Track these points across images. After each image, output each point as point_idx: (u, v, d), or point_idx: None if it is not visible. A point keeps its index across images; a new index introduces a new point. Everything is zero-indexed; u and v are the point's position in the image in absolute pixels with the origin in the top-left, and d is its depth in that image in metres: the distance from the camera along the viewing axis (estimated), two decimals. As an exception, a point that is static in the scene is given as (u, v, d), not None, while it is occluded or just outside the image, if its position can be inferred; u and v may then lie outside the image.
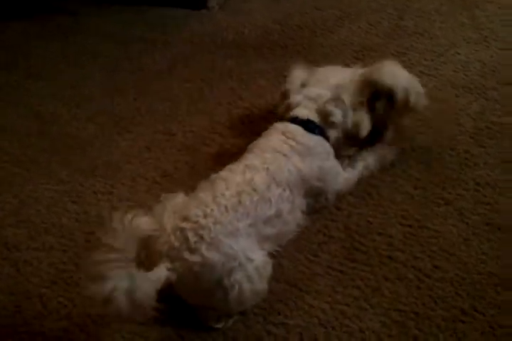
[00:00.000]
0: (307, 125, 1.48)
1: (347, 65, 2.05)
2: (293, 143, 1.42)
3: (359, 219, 1.49)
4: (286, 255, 1.40)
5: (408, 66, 2.03)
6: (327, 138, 1.51)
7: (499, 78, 1.98)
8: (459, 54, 2.13)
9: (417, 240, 1.43)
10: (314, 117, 1.51)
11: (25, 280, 1.39)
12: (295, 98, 1.56)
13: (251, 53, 2.22)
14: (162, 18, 2.47)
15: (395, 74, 1.58)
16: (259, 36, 2.32)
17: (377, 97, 1.58)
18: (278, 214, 1.31)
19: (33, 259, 1.45)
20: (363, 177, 1.59)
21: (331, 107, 1.51)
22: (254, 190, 1.28)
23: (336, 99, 1.51)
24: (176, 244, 1.18)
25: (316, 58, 2.15)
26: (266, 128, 1.55)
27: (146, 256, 1.19)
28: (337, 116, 1.51)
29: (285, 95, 1.63)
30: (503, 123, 1.78)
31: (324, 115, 1.51)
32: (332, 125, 1.52)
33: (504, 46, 2.15)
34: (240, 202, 1.24)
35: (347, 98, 1.52)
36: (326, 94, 1.54)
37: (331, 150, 1.51)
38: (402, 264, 1.37)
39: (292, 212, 1.37)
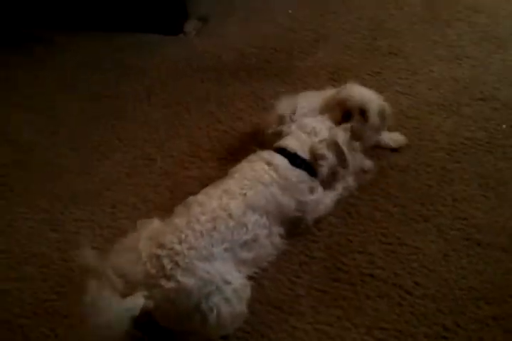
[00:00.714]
0: (294, 159, 1.48)
1: (322, 87, 2.09)
2: (275, 176, 1.42)
3: (340, 239, 1.50)
4: (268, 276, 1.41)
5: (383, 85, 2.08)
6: (315, 172, 1.51)
7: (471, 94, 2.03)
8: (432, 72, 2.17)
9: (397, 257, 1.44)
10: (304, 152, 1.50)
11: (5, 311, 1.38)
12: (289, 127, 1.57)
13: (228, 76, 2.24)
14: (138, 43, 2.49)
15: (361, 92, 1.65)
16: (236, 60, 2.34)
17: (348, 116, 1.61)
18: (255, 239, 1.32)
19: (14, 289, 1.43)
20: (342, 198, 1.61)
21: (324, 151, 1.50)
22: (230, 215, 1.29)
23: (332, 144, 1.51)
24: (152, 271, 1.18)
25: (292, 80, 2.18)
26: (245, 151, 1.57)
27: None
28: (329, 160, 1.51)
29: (281, 120, 1.64)
30: (477, 138, 1.82)
31: (316, 156, 1.50)
32: (321, 165, 1.51)
33: (475, 63, 2.20)
34: (214, 227, 1.25)
35: (342, 138, 1.53)
36: (321, 130, 1.54)
37: (316, 184, 1.51)
38: (383, 282, 1.38)
39: (270, 237, 1.38)
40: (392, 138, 1.78)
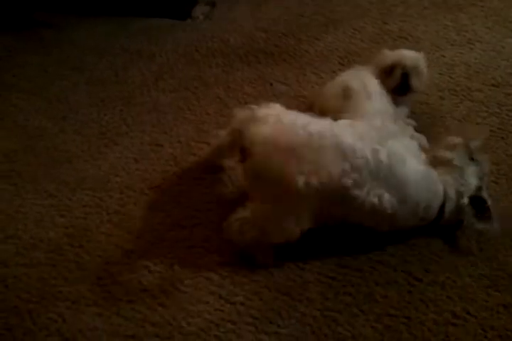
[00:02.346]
0: None
1: (332, 71, 2.07)
2: None
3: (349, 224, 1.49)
4: (276, 263, 1.40)
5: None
6: None
7: (484, 80, 2.00)
8: (443, 57, 2.14)
9: (407, 243, 1.43)
10: None
11: (14, 297, 1.38)
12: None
13: (237, 61, 2.21)
14: (146, 28, 2.46)
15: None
16: (244, 44, 2.32)
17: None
18: None
19: (22, 275, 1.43)
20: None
21: None
22: None
23: None
24: None
25: (301, 65, 2.16)
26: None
27: None
28: None
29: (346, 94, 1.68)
30: (489, 124, 1.80)
31: None
32: None
33: (488, 48, 2.17)
34: None
35: None
36: None
37: None
38: (392, 268, 1.37)
39: None
40: None
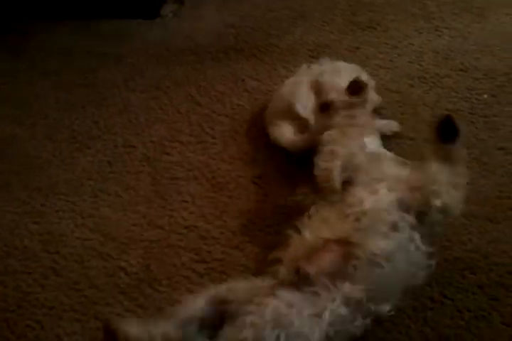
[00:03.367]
0: None
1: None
2: None
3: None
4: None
5: (363, 60, 2.05)
6: None
7: (452, 65, 2.00)
8: (412, 45, 2.14)
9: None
10: None
11: (-10, 306, 1.36)
12: None
13: (207, 59, 2.21)
14: (114, 29, 2.44)
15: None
16: (214, 41, 2.31)
17: None
18: None
19: (-3, 284, 1.42)
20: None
21: None
22: None
23: None
24: None
25: (271, 60, 2.15)
26: (224, 133, 1.56)
27: None
28: None
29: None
30: (459, 109, 1.80)
31: None
32: None
33: (455, 34, 2.17)
34: None
35: None
36: None
37: None
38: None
39: None
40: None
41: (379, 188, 1.23)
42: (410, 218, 1.19)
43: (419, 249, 1.18)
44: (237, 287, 1.14)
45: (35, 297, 1.38)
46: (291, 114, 1.64)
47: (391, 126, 1.71)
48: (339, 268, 1.10)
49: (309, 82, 1.69)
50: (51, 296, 1.37)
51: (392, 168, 1.33)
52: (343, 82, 1.55)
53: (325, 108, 1.53)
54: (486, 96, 1.85)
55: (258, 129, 1.78)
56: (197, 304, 1.10)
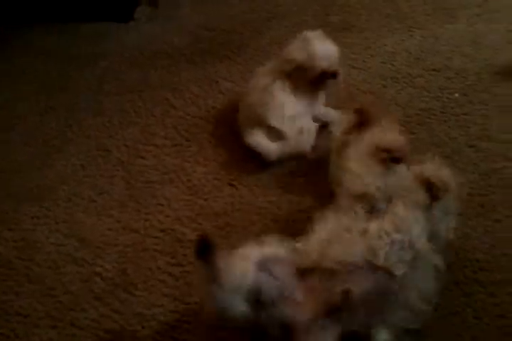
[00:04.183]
0: None
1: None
2: None
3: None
4: None
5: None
6: None
7: (424, 65, 2.03)
8: (385, 45, 2.16)
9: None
10: None
11: (-37, 315, 1.35)
12: None
13: (182, 61, 2.20)
14: (89, 33, 2.43)
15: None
16: (188, 44, 2.31)
17: None
18: None
19: (-29, 292, 1.40)
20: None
21: None
22: None
23: None
24: None
25: (245, 60, 2.16)
26: (199, 135, 1.57)
27: None
28: None
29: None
30: (431, 108, 1.83)
31: None
32: None
33: (427, 34, 2.20)
34: None
35: None
36: None
37: None
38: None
39: None
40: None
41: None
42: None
43: None
44: None
45: (10, 305, 1.37)
46: (264, 123, 1.65)
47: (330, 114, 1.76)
48: None
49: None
50: (26, 303, 1.36)
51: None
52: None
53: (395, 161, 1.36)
54: (457, 95, 1.87)
55: (233, 131, 1.78)
56: None
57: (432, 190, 1.18)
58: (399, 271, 1.07)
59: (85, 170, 1.73)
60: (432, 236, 1.17)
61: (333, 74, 1.69)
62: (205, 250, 1.02)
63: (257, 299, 1.03)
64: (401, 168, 1.34)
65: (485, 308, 1.25)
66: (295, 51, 1.70)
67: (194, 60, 2.21)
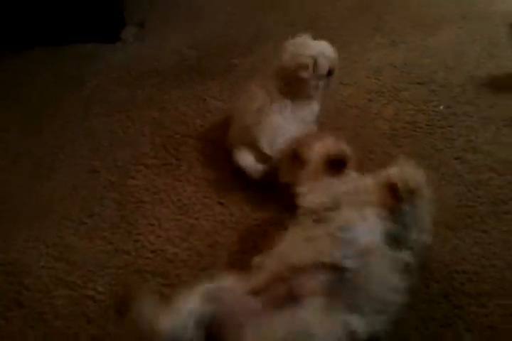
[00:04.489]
0: None
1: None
2: None
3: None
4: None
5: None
6: None
7: (409, 79, 2.05)
8: (370, 60, 2.19)
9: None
10: None
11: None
12: None
13: (170, 81, 2.22)
14: (76, 54, 2.45)
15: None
16: (176, 63, 2.32)
17: None
18: None
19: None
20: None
21: None
22: None
23: None
24: None
25: (235, 79, 2.17)
26: (188, 154, 1.64)
27: None
28: None
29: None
30: (416, 121, 1.85)
31: None
32: None
33: (411, 48, 2.23)
34: None
35: None
36: None
37: None
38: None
39: None
40: None
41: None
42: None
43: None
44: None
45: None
46: (255, 146, 1.64)
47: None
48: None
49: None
50: (15, 329, 1.35)
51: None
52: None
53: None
54: (442, 107, 1.90)
55: (222, 150, 1.79)
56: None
57: (396, 192, 1.21)
58: (349, 264, 1.11)
59: (75, 192, 1.73)
60: (401, 236, 1.21)
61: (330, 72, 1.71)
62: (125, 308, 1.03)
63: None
64: (352, 175, 1.38)
65: (475, 320, 1.26)
66: (288, 57, 1.70)
67: (182, 79, 2.22)
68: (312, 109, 1.76)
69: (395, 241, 1.20)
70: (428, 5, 2.49)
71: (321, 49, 1.72)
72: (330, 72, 1.72)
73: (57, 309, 1.39)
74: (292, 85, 1.69)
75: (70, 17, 2.49)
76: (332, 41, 2.26)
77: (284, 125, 1.65)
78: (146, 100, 2.12)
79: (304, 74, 1.66)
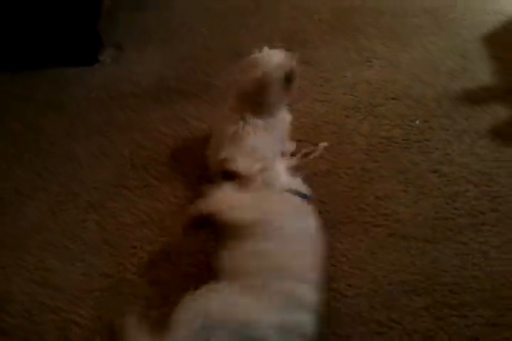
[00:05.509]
0: None
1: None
2: None
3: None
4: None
5: (299, 94, 2.11)
6: None
7: (384, 94, 2.10)
8: (345, 77, 2.23)
9: (329, 262, 1.47)
10: None
11: None
12: None
13: (149, 102, 2.23)
14: (54, 77, 2.44)
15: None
16: (155, 84, 2.34)
17: None
18: None
19: None
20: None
21: None
22: None
23: None
24: None
25: (212, 98, 2.19)
26: (170, 174, 1.64)
27: None
28: None
29: None
30: (393, 136, 1.89)
31: None
32: None
33: (385, 64, 2.28)
34: None
35: None
36: None
37: None
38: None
39: None
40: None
41: None
42: None
43: None
44: None
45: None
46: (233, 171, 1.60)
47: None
48: None
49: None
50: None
51: None
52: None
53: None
54: (418, 122, 1.94)
55: (203, 169, 1.80)
56: None
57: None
58: None
59: (56, 216, 1.72)
60: None
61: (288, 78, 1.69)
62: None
63: None
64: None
65: (457, 331, 1.27)
66: (242, 76, 1.71)
67: (161, 100, 2.23)
68: (284, 120, 1.76)
69: None
70: (401, 22, 2.54)
71: (273, 59, 1.71)
72: (289, 79, 1.70)
73: (41, 335, 1.38)
74: (255, 103, 1.68)
75: (47, 40, 2.49)
76: (307, 60, 2.35)
77: (260, 145, 1.64)
78: (125, 121, 2.12)
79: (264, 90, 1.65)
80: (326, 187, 1.69)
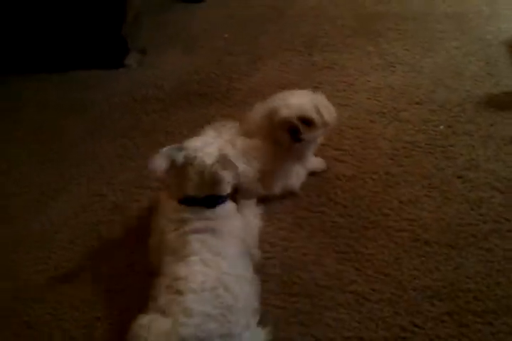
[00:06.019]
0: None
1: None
2: None
3: (294, 253, 1.52)
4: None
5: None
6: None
7: (408, 99, 2.09)
8: (369, 81, 2.23)
9: (353, 266, 1.47)
10: None
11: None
12: None
13: (172, 106, 2.26)
14: (81, 80, 2.49)
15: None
16: (178, 88, 2.37)
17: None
18: None
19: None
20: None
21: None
22: None
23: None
24: None
25: (234, 103, 2.21)
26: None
27: None
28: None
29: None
30: (417, 141, 1.88)
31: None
32: None
33: (408, 69, 2.28)
34: None
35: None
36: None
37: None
38: (341, 291, 1.40)
39: None
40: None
41: None
42: None
43: None
44: None
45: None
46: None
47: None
48: None
49: None
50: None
51: None
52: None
53: None
54: (442, 127, 1.93)
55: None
56: None
57: None
58: None
59: (81, 216, 1.75)
60: None
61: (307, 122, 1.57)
62: None
63: None
64: None
65: (482, 339, 1.26)
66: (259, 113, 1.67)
67: (184, 103, 2.26)
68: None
69: None
70: (424, 28, 2.54)
71: (289, 101, 1.60)
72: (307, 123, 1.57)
73: (65, 332, 1.39)
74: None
75: (75, 43, 2.55)
76: (330, 65, 2.36)
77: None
78: (150, 125, 2.15)
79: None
80: (350, 192, 1.69)
